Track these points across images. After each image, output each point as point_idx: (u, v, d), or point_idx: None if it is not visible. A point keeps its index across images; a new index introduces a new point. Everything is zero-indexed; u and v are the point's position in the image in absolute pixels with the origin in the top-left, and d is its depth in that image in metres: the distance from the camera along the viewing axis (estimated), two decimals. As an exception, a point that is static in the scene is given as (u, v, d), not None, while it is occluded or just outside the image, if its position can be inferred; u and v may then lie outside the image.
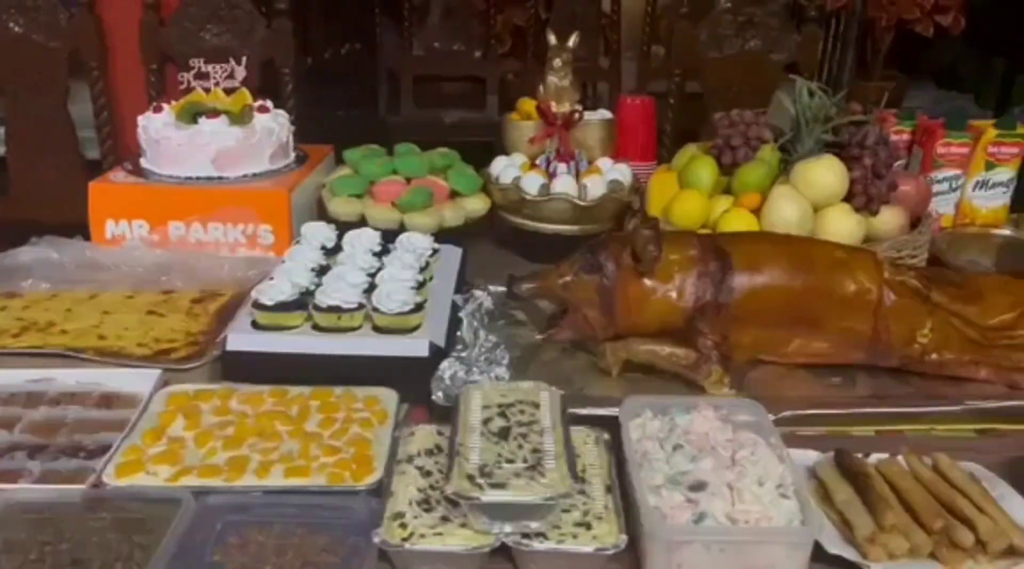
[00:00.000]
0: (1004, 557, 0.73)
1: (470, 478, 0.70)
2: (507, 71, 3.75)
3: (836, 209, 1.21)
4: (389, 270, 1.04)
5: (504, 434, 0.76)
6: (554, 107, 1.39)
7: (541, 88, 1.42)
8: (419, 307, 0.98)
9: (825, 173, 1.20)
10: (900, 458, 0.83)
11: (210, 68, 1.32)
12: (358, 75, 3.34)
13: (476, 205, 1.34)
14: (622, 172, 1.35)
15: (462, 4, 3.74)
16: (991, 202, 1.38)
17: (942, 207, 1.38)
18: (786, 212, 1.18)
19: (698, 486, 0.71)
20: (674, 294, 0.98)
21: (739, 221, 1.21)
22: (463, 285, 1.15)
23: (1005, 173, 1.36)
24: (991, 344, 0.99)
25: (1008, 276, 1.05)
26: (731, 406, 0.84)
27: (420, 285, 1.04)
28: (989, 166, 1.36)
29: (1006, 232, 1.36)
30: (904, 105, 4.31)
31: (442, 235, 1.27)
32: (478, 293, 1.11)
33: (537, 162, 1.36)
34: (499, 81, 3.70)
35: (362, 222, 1.26)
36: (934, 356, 0.99)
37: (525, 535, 0.70)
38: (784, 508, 0.69)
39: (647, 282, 0.98)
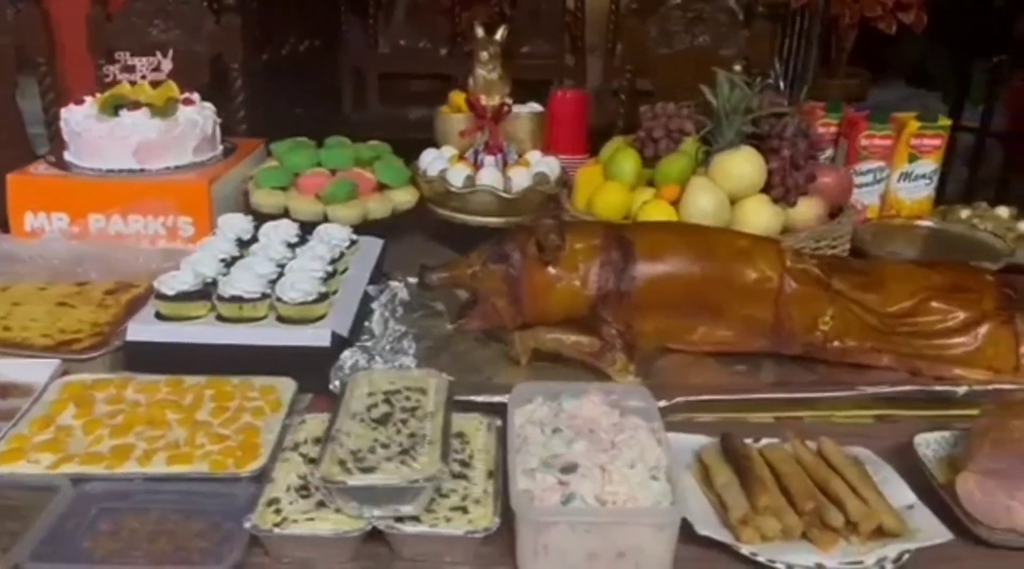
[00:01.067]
0: (875, 537, 0.74)
1: (341, 463, 0.70)
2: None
3: (754, 200, 1.22)
4: (299, 261, 1.04)
5: (384, 420, 0.76)
6: (484, 100, 1.40)
7: (471, 81, 1.42)
8: (323, 297, 0.98)
9: (742, 164, 1.21)
10: (787, 443, 0.84)
11: (136, 61, 1.32)
12: (319, 72, 3.33)
13: (404, 197, 1.35)
14: (549, 165, 1.35)
15: (428, 2, 3.74)
16: (915, 194, 1.39)
17: (867, 199, 1.40)
18: (702, 203, 1.19)
19: (569, 468, 0.71)
20: (578, 283, 0.99)
21: (658, 212, 1.22)
22: (381, 276, 1.15)
23: (928, 165, 1.38)
24: (892, 331, 1.00)
25: (911, 264, 1.06)
26: (622, 392, 0.85)
27: (330, 276, 1.04)
28: (912, 158, 1.37)
29: (929, 223, 1.38)
30: (869, 103, 4.37)
31: (368, 227, 1.28)
32: (394, 284, 1.12)
33: (465, 155, 1.36)
34: (466, 78, 3.71)
35: (285, 214, 1.26)
36: (836, 343, 1.00)
37: (398, 519, 0.70)
38: (652, 489, 0.70)
39: (551, 271, 0.98)
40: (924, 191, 1.39)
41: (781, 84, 2.68)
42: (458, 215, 1.31)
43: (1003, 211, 1.43)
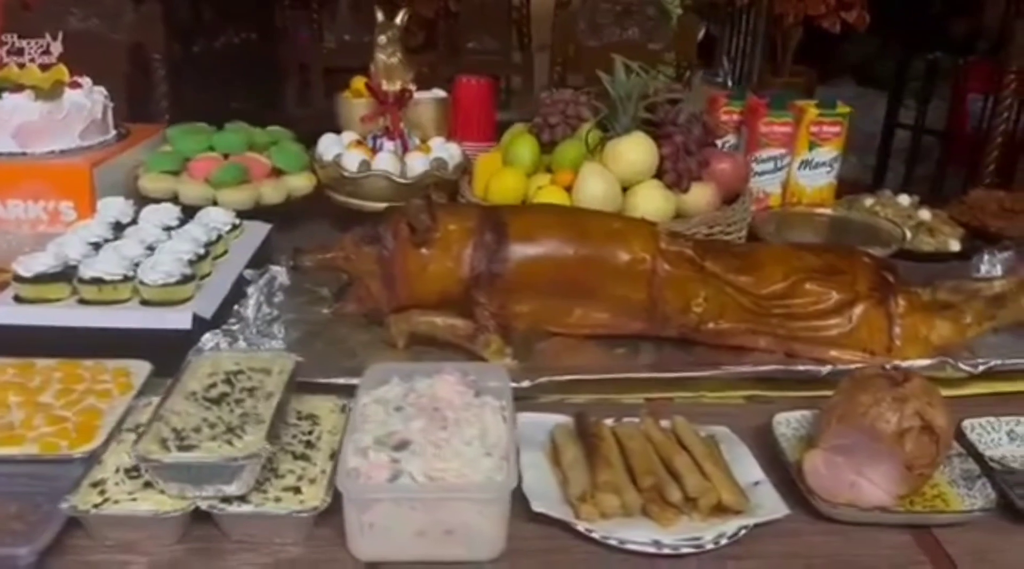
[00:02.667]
0: (717, 514, 0.73)
1: (162, 442, 0.68)
2: (420, 64, 3.74)
3: (646, 185, 1.22)
4: (169, 243, 1.02)
5: (219, 400, 0.74)
6: (385, 85, 1.38)
7: (372, 66, 1.41)
8: (188, 279, 0.96)
9: (633, 150, 1.21)
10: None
11: (25, 44, 1.28)
12: (260, 66, 3.29)
13: (300, 183, 1.33)
14: (450, 151, 1.34)
15: (372, -4, 3.71)
16: (816, 181, 1.40)
17: (768, 186, 1.40)
18: (593, 188, 1.18)
19: (402, 446, 0.70)
20: (451, 265, 0.97)
21: (552, 198, 1.21)
22: (264, 261, 1.13)
23: (829, 152, 1.39)
24: (767, 313, 1.00)
25: (787, 246, 1.06)
26: (480, 372, 0.84)
27: (201, 258, 1.01)
28: (812, 146, 1.38)
29: (828, 211, 1.38)
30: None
31: (262, 213, 1.26)
32: (275, 269, 1.10)
33: (364, 140, 1.35)
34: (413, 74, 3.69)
35: (175, 199, 1.24)
36: (711, 325, 1.00)
37: (225, 500, 0.69)
38: (483, 465, 0.69)
39: (424, 253, 0.97)
40: (825, 179, 1.40)
41: (729, 82, 2.70)
42: (353, 200, 1.29)
43: (904, 199, 1.44)
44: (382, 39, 1.37)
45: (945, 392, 0.95)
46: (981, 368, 0.95)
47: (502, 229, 0.97)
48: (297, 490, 0.71)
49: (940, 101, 3.35)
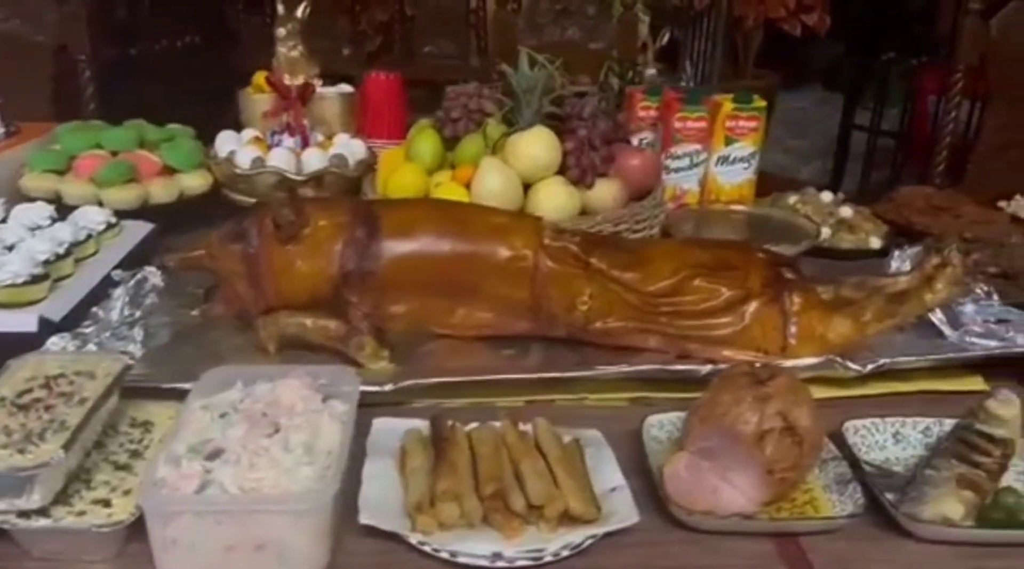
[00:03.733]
0: (568, 523, 0.68)
1: (-50, 451, 0.62)
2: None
3: (549, 181, 1.17)
4: (27, 243, 0.96)
5: (29, 406, 0.68)
6: (288, 80, 1.33)
7: (275, 60, 1.36)
8: (39, 279, 0.90)
9: (533, 144, 1.16)
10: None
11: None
12: (209, 70, 3.23)
13: (194, 182, 1.27)
14: (352, 148, 1.30)
15: (326, 1, 3.67)
16: (734, 178, 1.36)
17: (686, 183, 1.36)
18: (490, 184, 1.14)
19: (215, 454, 0.65)
20: (321, 262, 0.92)
21: (450, 194, 1.16)
22: (143, 262, 1.08)
23: (745, 148, 1.35)
24: (655, 311, 0.95)
25: (679, 242, 1.02)
26: (331, 375, 0.79)
27: (60, 258, 0.96)
28: (729, 141, 1.34)
29: (742, 208, 1.34)
30: (781, 106, 4.40)
31: (153, 212, 1.21)
32: (149, 269, 1.04)
33: (265, 136, 1.30)
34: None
35: (58, 198, 1.19)
36: (599, 324, 0.95)
37: (23, 514, 0.63)
38: (302, 475, 0.64)
39: (291, 250, 0.92)
40: (743, 175, 1.36)
41: (692, 86, 2.66)
42: (248, 199, 1.24)
43: (826, 196, 1.40)
44: (281, 32, 1.33)
45: (838, 392, 0.93)
46: (869, 367, 0.91)
47: (374, 224, 0.92)
48: (107, 503, 0.65)
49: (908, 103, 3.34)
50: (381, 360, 0.93)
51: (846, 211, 1.35)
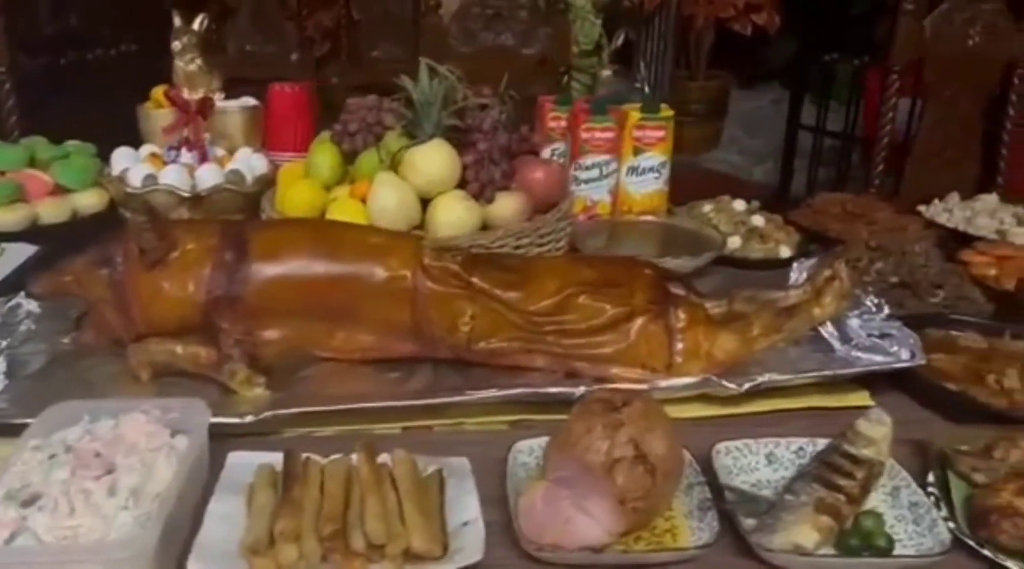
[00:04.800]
0: (413, 561, 0.66)
1: None
2: (328, 74, 3.66)
3: (447, 196, 1.14)
4: None
5: None
6: (187, 94, 1.30)
7: (173, 74, 1.33)
8: None
9: (429, 159, 1.14)
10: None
11: None
12: (149, 78, 3.16)
13: (88, 201, 1.24)
14: (252, 162, 1.26)
15: (274, 6, 3.62)
16: (644, 188, 1.34)
17: (596, 194, 1.34)
18: (384, 200, 1.11)
19: (31, 500, 0.62)
20: (191, 287, 0.89)
21: (346, 210, 1.14)
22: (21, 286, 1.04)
23: (655, 158, 1.33)
24: (539, 330, 0.93)
25: (565, 259, 1.00)
26: (184, 408, 0.76)
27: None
28: (637, 151, 1.32)
29: (653, 218, 1.33)
30: (738, 106, 4.41)
31: (45, 233, 1.17)
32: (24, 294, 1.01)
33: (160, 152, 1.27)
34: (318, 84, 3.60)
35: (-60, 221, 1.15)
36: (482, 345, 0.93)
37: None
38: (120, 520, 0.61)
39: (157, 275, 0.89)
40: (654, 185, 1.34)
41: (646, 88, 2.64)
42: (143, 218, 1.21)
43: (739, 205, 1.39)
44: (176, 45, 1.30)
45: (721, 411, 0.92)
46: (746, 386, 0.89)
47: (243, 247, 0.89)
48: (-78, 554, 0.62)
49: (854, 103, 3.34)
50: (256, 387, 0.91)
51: (758, 220, 1.34)
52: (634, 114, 1.32)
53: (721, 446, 0.80)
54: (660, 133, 1.32)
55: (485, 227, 1.17)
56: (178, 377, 0.93)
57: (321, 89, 3.79)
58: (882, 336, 0.93)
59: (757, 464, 0.80)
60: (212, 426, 0.82)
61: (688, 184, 1.96)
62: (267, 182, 1.26)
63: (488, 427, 0.89)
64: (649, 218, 1.33)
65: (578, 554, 0.67)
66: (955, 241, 1.35)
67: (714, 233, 1.28)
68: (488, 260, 0.97)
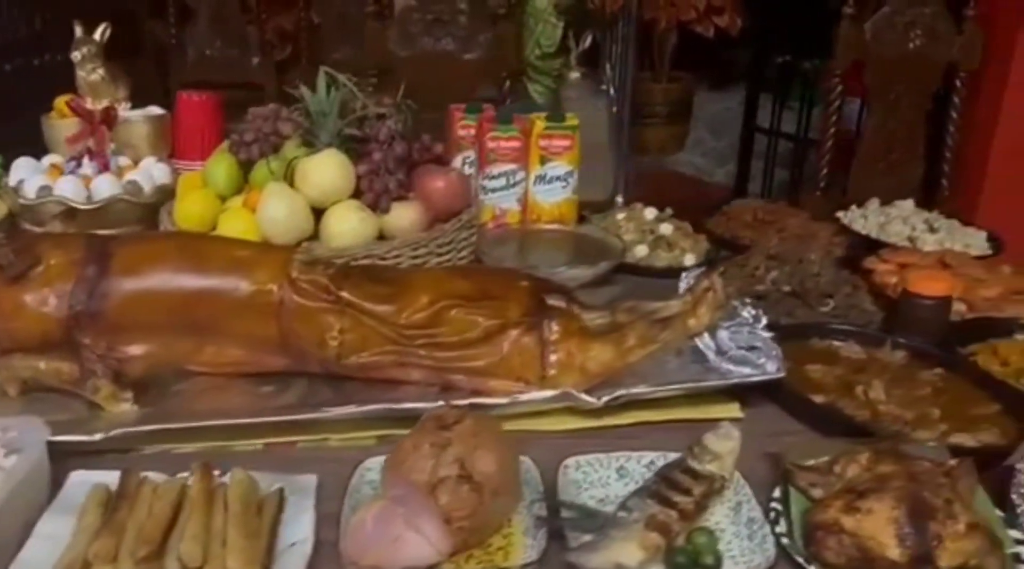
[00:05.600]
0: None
1: None
2: (290, 78, 3.64)
3: (341, 206, 1.14)
4: None
5: None
6: (90, 103, 1.29)
7: (78, 85, 1.32)
8: None
9: (321, 169, 1.13)
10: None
11: None
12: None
13: (-14, 212, 1.23)
14: (152, 172, 1.26)
15: (233, 9, 3.61)
16: (552, 197, 1.34)
17: (504, 203, 1.33)
18: (273, 211, 1.11)
19: None
20: (51, 302, 0.88)
21: (234, 221, 1.14)
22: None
23: (561, 167, 1.33)
24: (412, 343, 0.93)
25: (441, 271, 1.00)
26: (21, 426, 0.75)
27: None
28: (544, 160, 1.32)
29: (556, 227, 1.33)
30: (706, 108, 4.42)
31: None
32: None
33: (59, 163, 1.26)
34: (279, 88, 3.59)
35: None
36: (353, 359, 0.93)
37: None
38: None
39: (19, 290, 0.88)
40: (562, 194, 1.34)
41: (611, 90, 2.65)
42: (38, 229, 1.20)
43: (649, 213, 1.39)
44: (76, 55, 1.30)
45: (592, 423, 0.92)
46: (604, 399, 0.89)
47: (105, 262, 0.89)
48: None
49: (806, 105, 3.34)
50: (123, 402, 0.90)
51: (666, 228, 1.34)
52: (540, 123, 1.31)
53: (571, 461, 0.80)
54: (566, 142, 1.32)
55: (382, 237, 1.17)
56: (49, 392, 0.93)
57: (282, 93, 3.79)
58: (750, 348, 0.92)
59: (608, 478, 0.80)
60: (68, 444, 0.82)
61: (649, 186, 1.96)
62: (169, 192, 1.26)
63: (355, 443, 0.88)
64: (555, 227, 1.33)
65: (398, 575, 0.67)
66: (868, 248, 1.35)
67: (616, 242, 1.27)
68: (362, 273, 0.96)
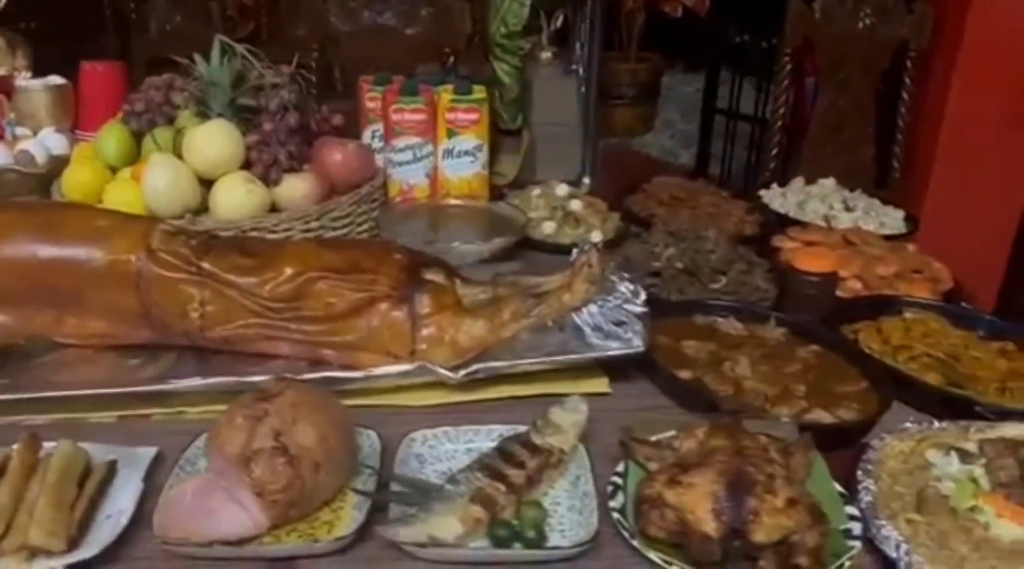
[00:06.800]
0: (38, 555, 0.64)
1: None
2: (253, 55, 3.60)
3: (228, 178, 1.12)
4: None
5: None
6: (-14, 73, 1.27)
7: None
8: None
9: (207, 140, 1.12)
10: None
11: None
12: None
13: None
14: (47, 143, 1.24)
15: (191, -17, 3.56)
16: (461, 171, 1.32)
17: (412, 178, 1.31)
18: (156, 181, 1.09)
19: None
20: (-93, 274, 0.87)
21: (119, 192, 1.12)
22: None
23: (469, 141, 1.30)
24: (279, 317, 0.91)
25: (313, 243, 0.97)
26: None
27: None
28: (451, 133, 1.30)
29: (461, 202, 1.31)
30: (678, 90, 4.39)
31: None
32: None
33: (-47, 134, 1.24)
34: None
35: None
36: (218, 331, 0.91)
37: None
38: None
39: None
40: (471, 169, 1.32)
41: (581, 70, 2.63)
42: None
43: (562, 189, 1.37)
44: (-32, 22, 1.26)
45: (461, 397, 0.90)
46: (462, 373, 0.88)
47: (-44, 232, 0.87)
48: None
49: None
50: (-22, 376, 0.89)
51: (575, 205, 1.33)
52: (446, 95, 1.29)
53: (418, 434, 0.79)
54: (473, 115, 1.29)
55: (275, 210, 1.15)
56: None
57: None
58: (619, 323, 0.91)
59: (455, 452, 0.78)
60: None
61: (612, 167, 1.94)
62: (64, 163, 1.23)
63: (211, 417, 0.85)
64: (461, 202, 1.31)
65: (206, 548, 0.65)
66: (783, 226, 1.33)
67: (519, 217, 1.26)
68: (229, 244, 0.94)
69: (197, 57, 1.18)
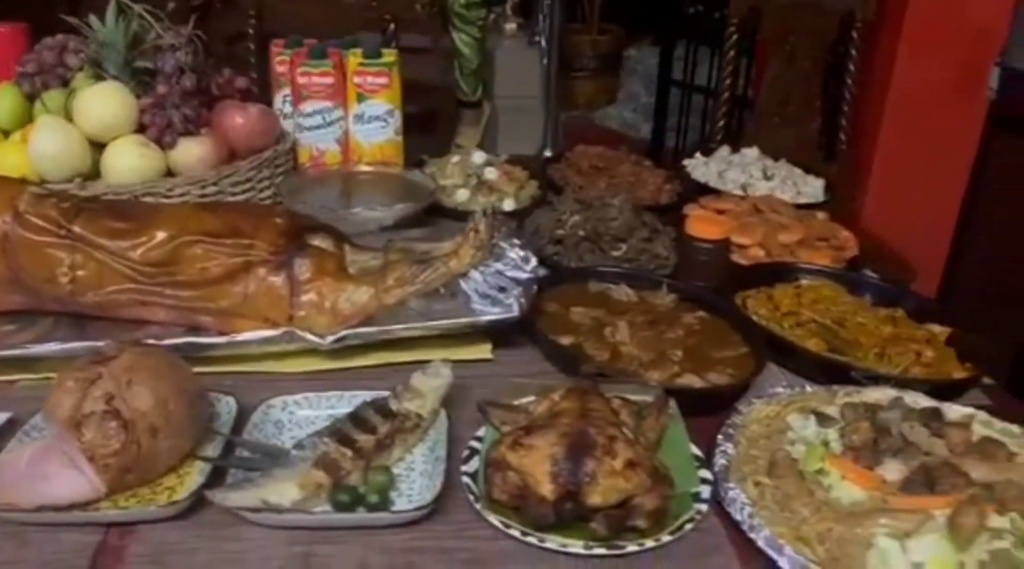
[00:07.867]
0: None
1: None
2: (209, 24, 3.54)
3: (120, 141, 1.10)
4: None
5: None
6: None
7: None
8: None
9: (99, 102, 1.09)
10: None
11: None
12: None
13: None
14: (-60, 107, 1.20)
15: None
16: (373, 137, 1.29)
17: (322, 143, 1.29)
18: (43, 144, 1.06)
19: None
20: None
21: (11, 156, 1.10)
22: None
23: (380, 105, 1.28)
24: (152, 281, 0.89)
25: (190, 207, 0.95)
26: None
27: None
28: (361, 98, 1.27)
29: (370, 168, 1.28)
30: (645, 63, 4.35)
31: None
32: None
33: None
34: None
35: None
36: (90, 296, 0.89)
37: None
38: None
39: None
40: (382, 134, 1.29)
41: (543, 42, 2.58)
42: None
43: (478, 157, 1.35)
44: None
45: (330, 365, 0.89)
46: (329, 339, 0.86)
47: None
48: None
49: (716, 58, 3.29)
50: None
51: (491, 173, 1.31)
52: (354, 59, 1.26)
53: (277, 400, 0.78)
54: (383, 79, 1.27)
55: (171, 174, 1.13)
56: None
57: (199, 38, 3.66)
58: (500, 289, 0.90)
59: (316, 419, 0.77)
60: None
61: (572, 139, 1.92)
62: (-41, 128, 1.20)
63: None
64: (370, 169, 1.29)
65: (35, 514, 0.64)
66: (701, 194, 1.32)
67: (429, 185, 1.24)
68: (103, 208, 0.91)
69: (92, 18, 1.14)
